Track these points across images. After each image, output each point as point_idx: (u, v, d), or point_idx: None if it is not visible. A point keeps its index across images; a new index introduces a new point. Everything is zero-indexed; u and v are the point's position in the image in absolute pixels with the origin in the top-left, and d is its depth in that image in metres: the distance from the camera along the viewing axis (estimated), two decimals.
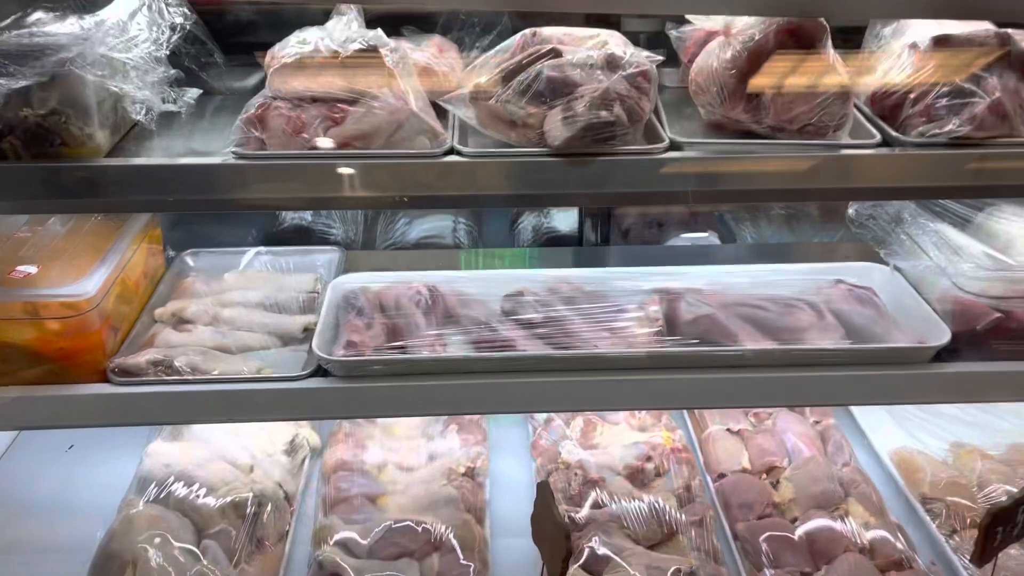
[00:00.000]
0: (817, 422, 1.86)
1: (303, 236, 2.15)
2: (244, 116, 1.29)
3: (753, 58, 1.38)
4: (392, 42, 1.41)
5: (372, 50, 1.35)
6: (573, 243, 2.26)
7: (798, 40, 1.37)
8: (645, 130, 1.38)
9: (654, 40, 1.72)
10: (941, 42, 1.39)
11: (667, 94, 1.60)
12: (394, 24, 1.57)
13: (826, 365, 1.46)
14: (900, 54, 1.46)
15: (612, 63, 1.31)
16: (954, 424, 1.86)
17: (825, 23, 1.36)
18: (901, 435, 1.85)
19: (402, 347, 1.48)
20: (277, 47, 1.40)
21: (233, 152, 1.28)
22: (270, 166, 1.26)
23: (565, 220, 2.27)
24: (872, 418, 1.91)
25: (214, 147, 1.36)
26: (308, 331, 1.56)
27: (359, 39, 1.37)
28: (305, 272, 1.75)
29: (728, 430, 1.82)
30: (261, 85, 1.47)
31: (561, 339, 1.47)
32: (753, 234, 2.52)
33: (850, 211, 1.84)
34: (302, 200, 1.29)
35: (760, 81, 1.37)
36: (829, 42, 1.37)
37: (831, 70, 1.35)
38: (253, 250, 1.86)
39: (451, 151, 1.32)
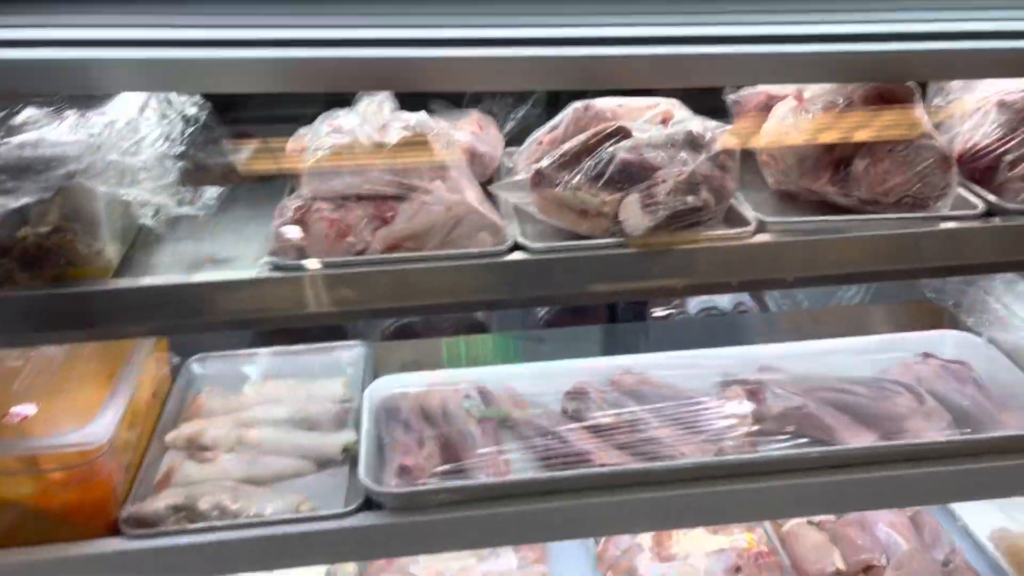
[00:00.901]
0: None
1: None
2: (280, 221, 1.16)
3: (838, 125, 1.29)
4: (435, 124, 1.29)
5: (419, 136, 1.23)
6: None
7: (887, 104, 1.28)
8: None
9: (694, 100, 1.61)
10: None
11: None
12: (422, 99, 1.47)
13: (936, 459, 1.34)
14: (986, 111, 1.37)
15: (693, 142, 1.20)
16: None
17: (914, 84, 1.28)
18: (995, 513, 1.73)
19: (460, 468, 1.33)
20: (307, 136, 1.27)
21: (269, 263, 1.14)
22: (317, 276, 1.12)
23: None
24: None
25: (237, 251, 1.22)
26: (348, 450, 1.40)
27: (401, 124, 1.25)
28: (332, 375, 1.60)
29: (810, 522, 1.69)
30: (276, 174, 1.34)
31: (642, 447, 1.34)
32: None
33: None
34: (353, 312, 1.15)
35: (850, 150, 1.28)
36: (921, 105, 1.28)
37: (927, 136, 1.26)
38: (267, 351, 1.70)
39: (516, 247, 1.19)
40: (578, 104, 1.39)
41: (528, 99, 1.59)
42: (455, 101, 1.55)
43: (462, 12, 1.23)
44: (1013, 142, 1.32)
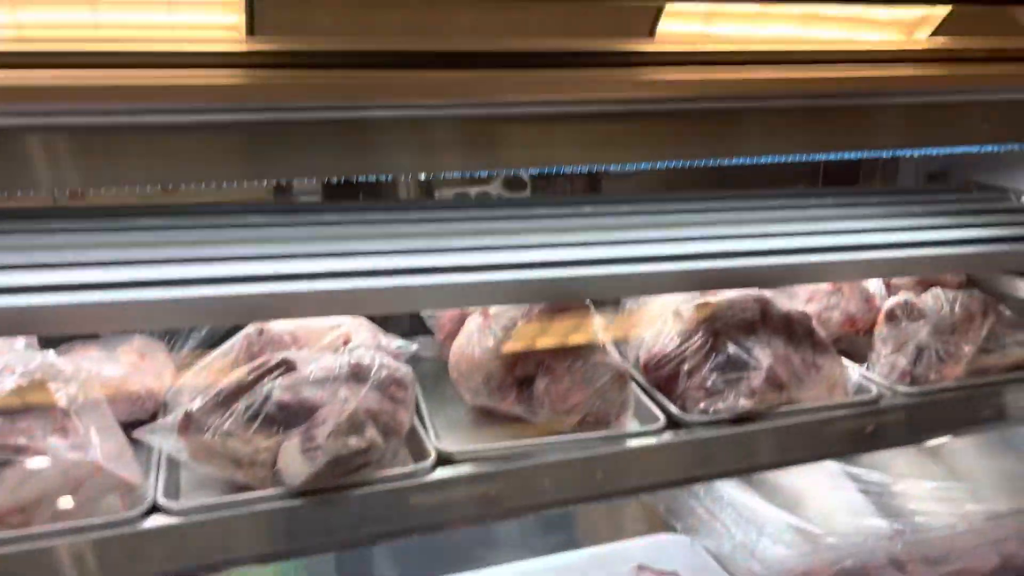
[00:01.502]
0: None
1: None
2: None
3: (519, 345, 1.31)
4: (70, 364, 1.15)
5: (36, 383, 1.08)
6: None
7: (564, 322, 1.32)
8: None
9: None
10: (703, 307, 1.41)
11: (424, 366, 1.45)
12: None
13: None
14: (664, 320, 1.46)
15: (358, 374, 1.14)
16: None
17: (589, 302, 1.34)
18: None
19: None
20: None
21: None
22: None
23: None
24: None
25: None
26: None
27: (20, 368, 1.10)
28: None
29: None
30: None
31: None
32: None
33: None
34: None
35: (532, 369, 1.29)
36: (596, 321, 1.33)
37: (604, 353, 1.30)
38: None
39: (154, 509, 1.05)
40: (250, 328, 1.32)
41: None
42: None
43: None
44: (688, 351, 1.39)
